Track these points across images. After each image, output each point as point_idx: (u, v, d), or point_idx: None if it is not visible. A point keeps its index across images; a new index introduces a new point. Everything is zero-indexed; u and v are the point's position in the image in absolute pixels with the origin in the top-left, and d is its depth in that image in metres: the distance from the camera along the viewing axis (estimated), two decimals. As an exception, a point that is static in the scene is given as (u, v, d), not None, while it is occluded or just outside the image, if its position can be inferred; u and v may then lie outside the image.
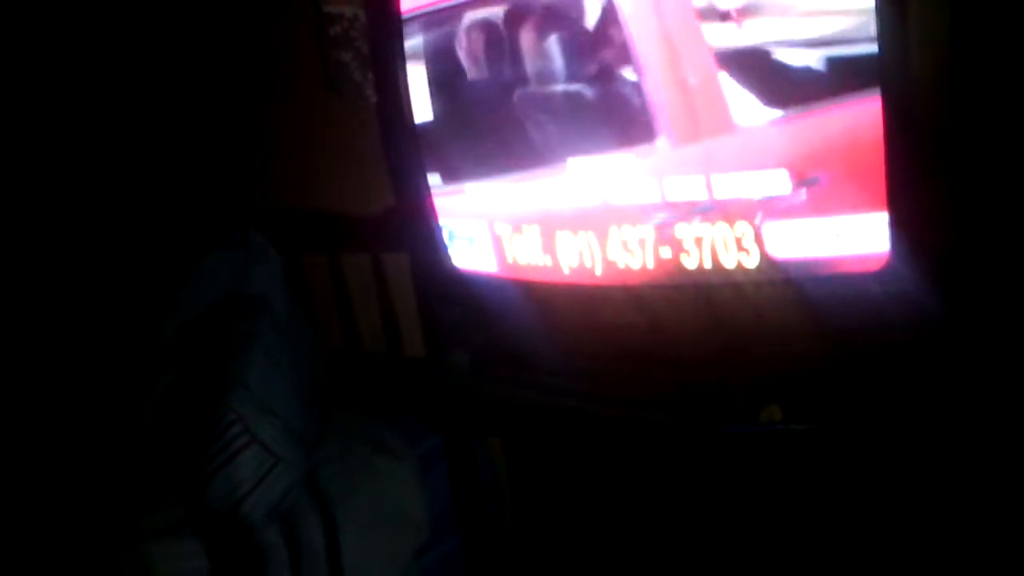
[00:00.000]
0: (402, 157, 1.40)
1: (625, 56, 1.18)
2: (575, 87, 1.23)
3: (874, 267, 1.08)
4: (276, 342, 1.72)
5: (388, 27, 1.33)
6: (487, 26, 1.30)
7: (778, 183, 1.12)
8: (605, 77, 1.22)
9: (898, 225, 1.05)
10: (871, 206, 1.07)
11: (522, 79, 1.28)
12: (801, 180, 1.10)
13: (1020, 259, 1.13)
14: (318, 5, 1.55)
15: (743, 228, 1.16)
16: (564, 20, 1.24)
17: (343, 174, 1.80)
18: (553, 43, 1.24)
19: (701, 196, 1.17)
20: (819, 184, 1.10)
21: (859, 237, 1.09)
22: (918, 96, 1.01)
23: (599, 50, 1.21)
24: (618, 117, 1.21)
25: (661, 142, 1.19)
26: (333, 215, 1.91)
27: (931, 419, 1.11)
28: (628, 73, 1.19)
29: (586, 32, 1.23)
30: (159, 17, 1.90)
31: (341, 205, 1.88)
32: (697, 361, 1.21)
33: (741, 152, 1.12)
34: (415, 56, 1.36)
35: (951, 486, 1.09)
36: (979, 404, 1.11)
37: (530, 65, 1.27)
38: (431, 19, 1.33)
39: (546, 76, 1.26)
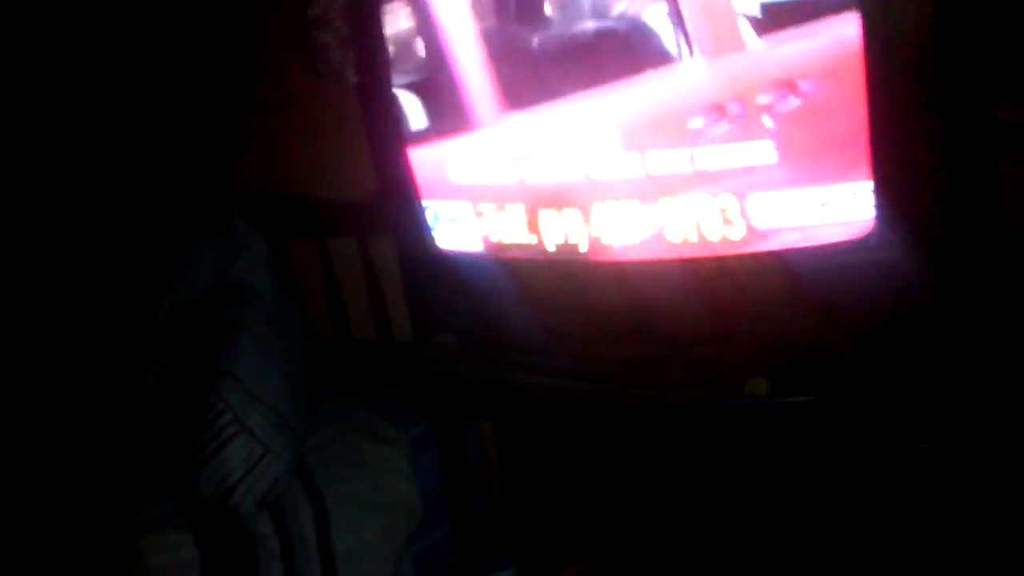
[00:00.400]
0: (384, 138, 1.38)
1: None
2: (564, 43, 1.20)
3: (859, 235, 1.06)
4: (264, 330, 1.71)
5: (368, 4, 1.31)
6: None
7: (761, 152, 1.10)
8: (600, 31, 1.19)
9: (883, 192, 1.03)
10: (855, 173, 1.06)
11: (503, 48, 1.26)
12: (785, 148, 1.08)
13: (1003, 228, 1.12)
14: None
15: (727, 200, 1.14)
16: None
17: (327, 158, 1.78)
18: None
19: (685, 168, 1.16)
20: (802, 149, 1.08)
21: (843, 205, 1.08)
22: (901, 46, 0.99)
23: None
24: (613, 64, 1.17)
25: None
26: (319, 200, 1.89)
27: (921, 394, 1.10)
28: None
29: None
30: (140, 6, 1.88)
31: (326, 189, 1.86)
32: (683, 337, 1.20)
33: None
34: (395, 35, 1.34)
35: (939, 462, 1.08)
36: (969, 379, 1.10)
37: (513, 30, 1.25)
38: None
39: (526, 37, 1.23)
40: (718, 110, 1.10)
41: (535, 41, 1.24)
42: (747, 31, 1.07)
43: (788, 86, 1.04)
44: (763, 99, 1.06)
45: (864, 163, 1.04)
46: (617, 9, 1.19)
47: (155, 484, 1.61)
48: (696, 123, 1.11)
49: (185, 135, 1.94)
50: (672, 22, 1.11)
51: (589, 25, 1.23)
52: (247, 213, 1.83)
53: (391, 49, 1.34)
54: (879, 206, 1.04)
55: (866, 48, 0.99)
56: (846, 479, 1.26)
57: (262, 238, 1.80)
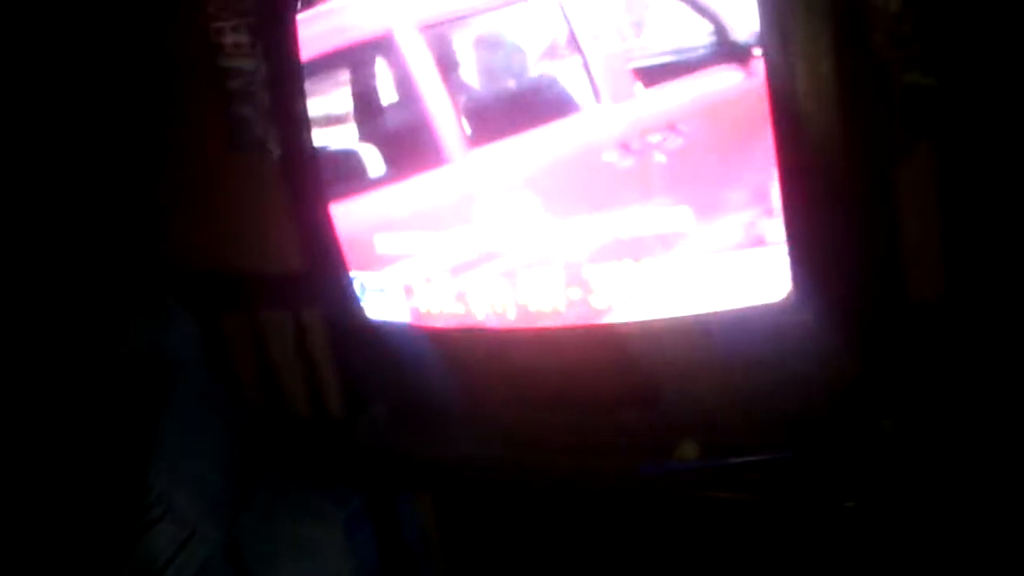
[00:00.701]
0: (307, 210, 1.37)
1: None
2: (487, 102, 1.21)
3: (778, 300, 1.07)
4: (192, 408, 1.67)
5: (288, 76, 1.31)
6: (387, 65, 1.29)
7: (681, 218, 1.11)
8: (521, 101, 1.20)
9: (798, 256, 1.05)
10: (773, 239, 1.07)
11: (425, 116, 1.26)
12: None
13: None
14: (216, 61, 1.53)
15: (647, 266, 1.15)
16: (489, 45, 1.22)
17: (257, 232, 1.76)
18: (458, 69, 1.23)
19: (607, 235, 1.16)
20: (714, 209, 1.09)
21: (761, 270, 1.09)
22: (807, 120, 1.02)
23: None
24: (531, 116, 1.18)
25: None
26: (251, 274, 1.87)
27: (846, 453, 1.10)
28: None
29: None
30: (60, 84, 1.86)
31: (259, 263, 1.84)
32: (611, 403, 1.19)
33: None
34: (318, 106, 1.34)
35: (865, 520, 1.08)
36: (892, 437, 1.11)
37: (435, 99, 1.25)
38: (332, 63, 1.31)
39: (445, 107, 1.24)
40: (623, 147, 1.10)
41: (459, 101, 1.25)
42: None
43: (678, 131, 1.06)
44: (655, 137, 1.07)
45: (779, 227, 1.06)
46: (533, 69, 1.21)
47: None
48: (610, 156, 1.11)
49: (111, 214, 1.91)
50: (580, 76, 1.11)
51: (511, 83, 1.24)
52: (180, 289, 1.80)
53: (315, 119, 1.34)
54: (795, 270, 1.05)
55: (772, 110, 1.01)
56: (781, 539, 1.25)
57: (191, 315, 1.77)
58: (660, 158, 1.07)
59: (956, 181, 1.17)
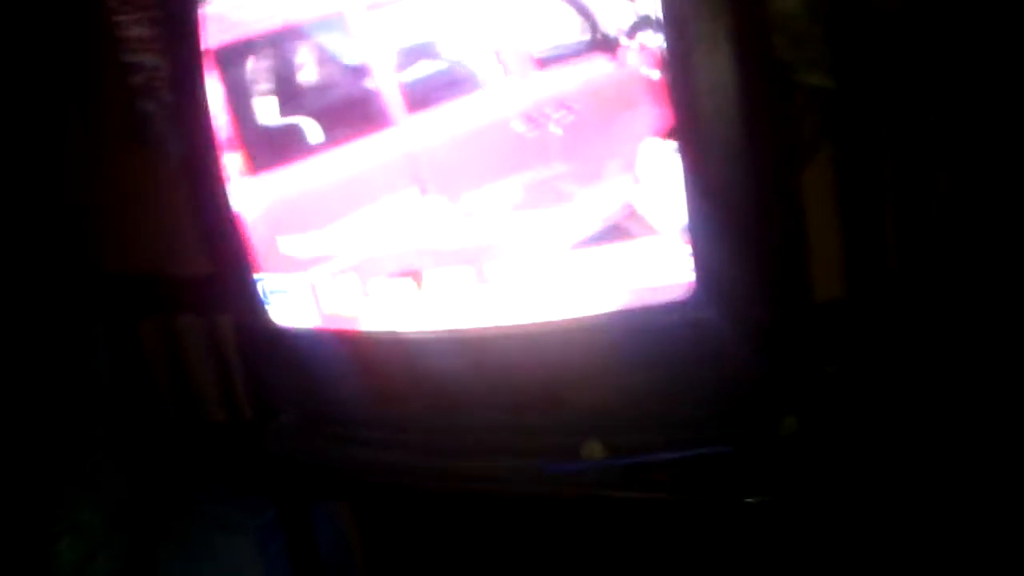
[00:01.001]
0: (209, 209, 1.33)
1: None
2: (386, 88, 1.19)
3: (680, 296, 1.07)
4: (99, 419, 1.62)
5: (188, 71, 1.28)
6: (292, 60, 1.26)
7: (579, 217, 1.11)
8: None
9: (701, 252, 1.05)
10: (671, 229, 1.07)
11: (329, 109, 1.24)
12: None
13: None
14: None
15: (547, 263, 1.14)
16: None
17: (166, 232, 1.71)
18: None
19: (505, 234, 1.15)
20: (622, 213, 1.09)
21: (662, 265, 1.08)
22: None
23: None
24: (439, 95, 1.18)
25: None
26: (165, 277, 1.81)
27: (751, 449, 1.10)
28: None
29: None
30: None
31: (173, 266, 1.79)
32: (516, 404, 1.17)
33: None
34: (219, 101, 1.31)
35: (769, 518, 1.08)
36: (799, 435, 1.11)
37: (335, 93, 1.24)
38: (235, 56, 1.28)
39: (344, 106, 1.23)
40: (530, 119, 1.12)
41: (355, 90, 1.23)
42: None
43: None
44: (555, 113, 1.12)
45: (682, 220, 1.06)
46: (439, 51, 1.19)
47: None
48: (518, 127, 1.12)
49: (21, 213, 1.84)
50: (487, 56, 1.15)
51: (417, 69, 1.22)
52: (95, 293, 1.74)
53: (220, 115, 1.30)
54: (696, 267, 1.05)
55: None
56: (689, 536, 1.25)
57: (98, 321, 1.72)
58: (556, 130, 1.12)
59: (855, 181, 1.18)
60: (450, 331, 1.22)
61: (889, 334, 1.21)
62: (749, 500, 1.06)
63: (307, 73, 1.25)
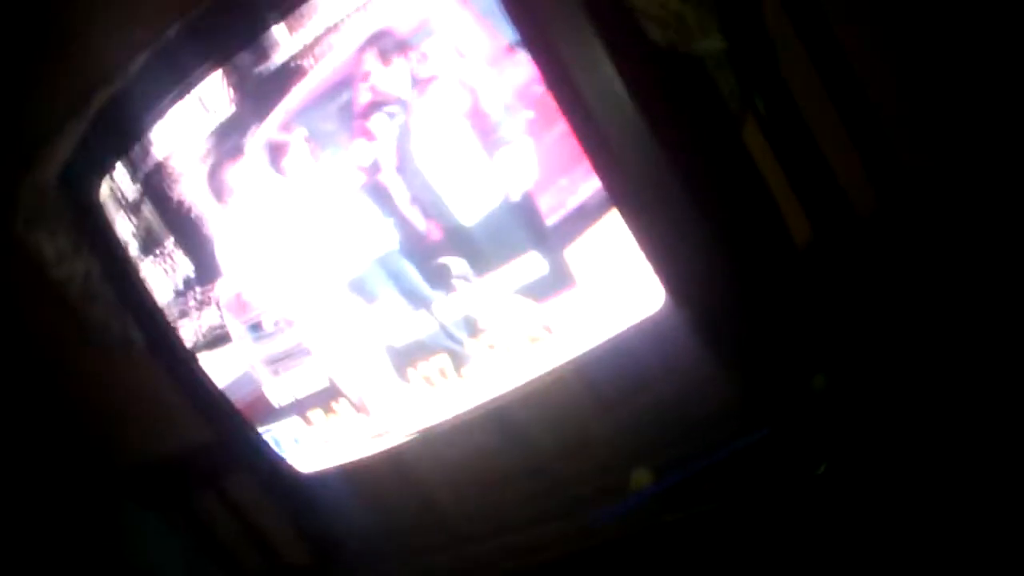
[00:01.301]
0: (192, 384, 1.32)
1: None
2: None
3: (655, 314, 1.05)
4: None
5: (120, 265, 1.27)
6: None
7: (533, 265, 1.09)
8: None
9: (658, 262, 1.03)
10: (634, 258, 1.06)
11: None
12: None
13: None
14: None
15: (521, 324, 1.12)
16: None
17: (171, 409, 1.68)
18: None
19: (476, 310, 1.14)
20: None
21: (631, 290, 1.07)
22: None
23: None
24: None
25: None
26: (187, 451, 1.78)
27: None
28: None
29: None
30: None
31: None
32: (563, 467, 1.16)
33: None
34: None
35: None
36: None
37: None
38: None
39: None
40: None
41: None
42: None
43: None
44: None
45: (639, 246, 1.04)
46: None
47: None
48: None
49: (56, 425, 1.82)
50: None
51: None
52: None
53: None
54: (659, 277, 1.03)
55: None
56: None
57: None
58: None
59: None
60: (456, 416, 1.19)
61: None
62: (818, 471, 1.02)
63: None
